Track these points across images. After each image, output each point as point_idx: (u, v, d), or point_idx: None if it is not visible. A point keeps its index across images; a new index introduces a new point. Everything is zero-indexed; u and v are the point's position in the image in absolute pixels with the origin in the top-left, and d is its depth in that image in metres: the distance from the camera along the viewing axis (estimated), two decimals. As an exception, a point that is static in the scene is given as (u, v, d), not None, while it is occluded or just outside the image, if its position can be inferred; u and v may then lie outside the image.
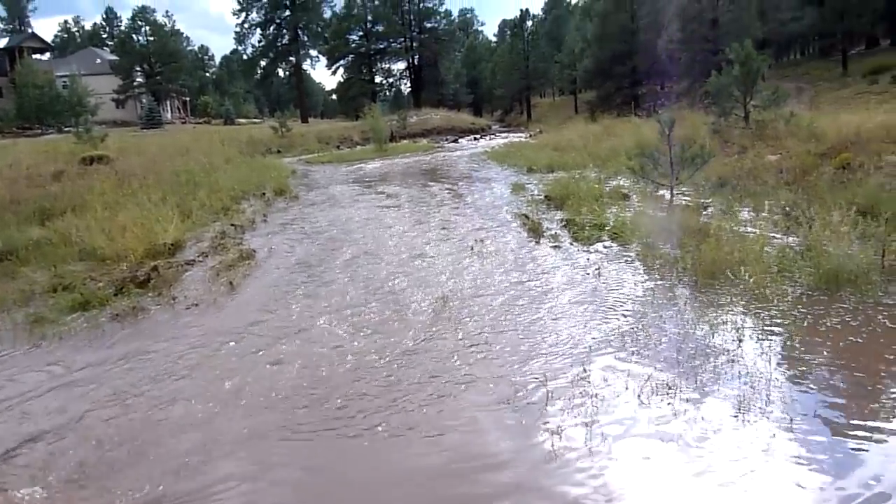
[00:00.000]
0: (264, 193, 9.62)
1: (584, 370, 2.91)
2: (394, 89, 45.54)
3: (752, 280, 3.77)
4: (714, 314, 3.44)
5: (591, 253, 5.04)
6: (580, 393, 2.70)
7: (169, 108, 39.02)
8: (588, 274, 4.46)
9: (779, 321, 3.29)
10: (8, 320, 4.11)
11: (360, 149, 23.17)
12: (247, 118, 44.79)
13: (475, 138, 26.94)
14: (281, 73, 49.07)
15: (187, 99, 43.36)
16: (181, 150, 13.65)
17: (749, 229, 5.03)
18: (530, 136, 25.51)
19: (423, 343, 3.34)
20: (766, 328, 3.22)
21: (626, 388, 2.72)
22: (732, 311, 3.47)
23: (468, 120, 33.64)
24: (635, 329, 3.33)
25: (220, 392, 2.95)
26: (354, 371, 3.07)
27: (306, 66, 43.96)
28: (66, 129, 21.75)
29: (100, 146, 12.91)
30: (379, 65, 42.82)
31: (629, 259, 4.76)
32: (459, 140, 26.28)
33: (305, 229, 6.80)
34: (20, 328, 3.97)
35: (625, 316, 3.56)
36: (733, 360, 2.91)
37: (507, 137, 27.09)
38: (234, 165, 12.53)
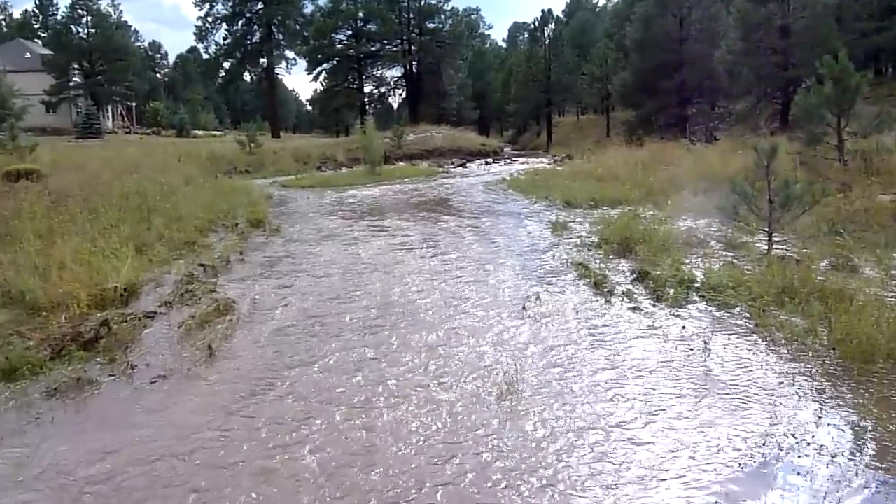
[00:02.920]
0: (237, 224, 9.54)
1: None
2: (385, 101, 46.75)
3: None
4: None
5: (684, 319, 4.78)
6: None
7: (110, 115, 39.43)
8: (692, 349, 4.17)
9: None
10: None
11: (346, 171, 23.32)
12: (205, 130, 45.42)
13: (486, 163, 27.31)
14: (248, 77, 50.39)
15: (133, 104, 43.82)
16: (130, 165, 13.53)
17: (889, 294, 4.81)
18: (555, 161, 25.93)
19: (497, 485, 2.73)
20: None
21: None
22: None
23: (477, 140, 34.26)
24: (796, 449, 2.91)
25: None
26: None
27: (280, 69, 45.22)
28: (-17, 135, 21.81)
29: (28, 158, 12.77)
30: (370, 71, 43.76)
31: (740, 329, 4.50)
32: (468, 164, 26.63)
33: (296, 273, 6.58)
34: None
35: (772, 422, 3.13)
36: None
37: (525, 162, 27.51)
38: (196, 187, 12.41)
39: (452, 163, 26.76)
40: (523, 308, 5.15)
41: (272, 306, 5.41)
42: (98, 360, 4.22)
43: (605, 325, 4.72)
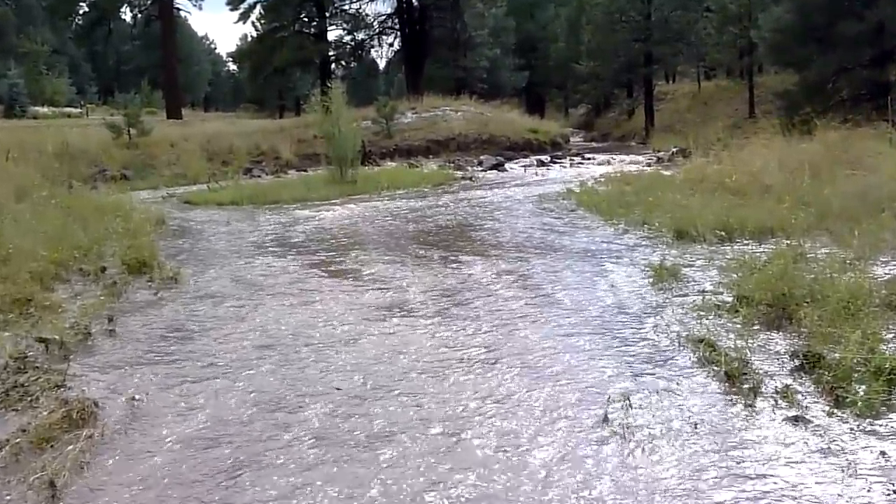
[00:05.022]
0: (104, 268, 9.79)
1: None
2: (365, 57, 47.82)
3: None
4: None
5: (884, 439, 4.75)
6: None
7: None
8: (901, 495, 4.14)
9: None
10: None
11: (296, 177, 23.80)
12: (53, 106, 46.71)
13: (540, 162, 27.87)
14: (129, 14, 51.83)
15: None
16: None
17: None
18: (658, 160, 26.21)
19: None
20: None
21: None
22: None
23: (523, 125, 34.94)
24: None
25: None
26: None
27: (182, 2, 46.49)
28: None
29: None
30: (338, 3, 45.10)
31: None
32: (508, 165, 27.03)
33: (202, 359, 6.70)
34: None
35: None
36: None
37: (607, 162, 27.83)
38: (35, 206, 12.69)
39: (480, 162, 27.27)
40: (605, 420, 5.17)
41: (161, 415, 5.49)
42: None
43: (745, 452, 4.70)
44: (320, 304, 8.42)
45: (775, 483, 4.36)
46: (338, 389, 5.86)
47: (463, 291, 8.83)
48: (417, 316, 7.84)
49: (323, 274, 10.01)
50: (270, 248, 12.06)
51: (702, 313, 7.34)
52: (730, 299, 7.61)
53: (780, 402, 5.33)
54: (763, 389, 5.52)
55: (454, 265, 10.27)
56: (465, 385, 5.97)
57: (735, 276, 8.38)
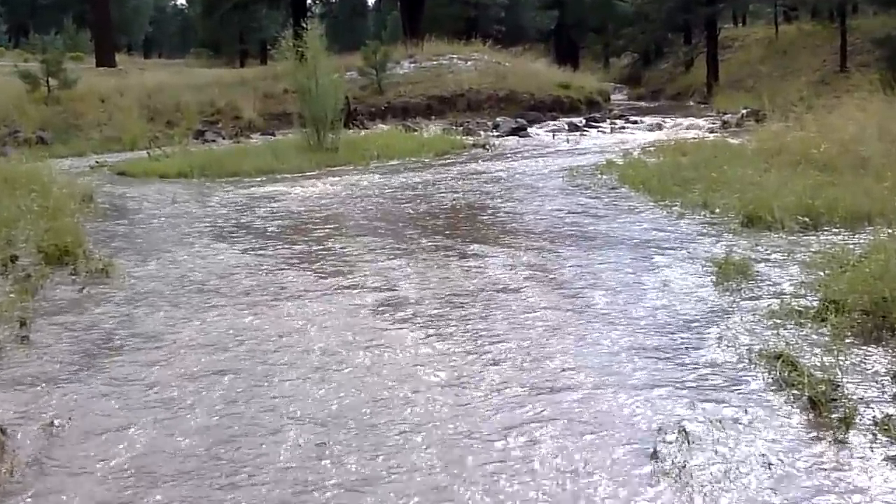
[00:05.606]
0: (14, 257, 9.79)
1: None
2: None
3: None
4: None
5: None
6: None
7: None
8: None
9: None
10: None
11: (260, 142, 23.76)
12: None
13: (574, 126, 27.83)
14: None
15: None
16: None
17: None
18: (723, 124, 26.15)
19: None
20: None
21: None
22: None
23: (551, 78, 34.95)
24: None
25: None
26: None
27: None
28: None
29: None
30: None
31: None
32: (531, 128, 26.94)
33: (142, 372, 6.68)
34: None
35: None
36: None
37: (658, 125, 27.76)
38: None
39: (496, 126, 27.25)
40: (654, 456, 5.16)
41: (85, 446, 5.47)
42: None
43: (835, 502, 4.67)
44: (288, 309, 8.35)
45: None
46: (302, 425, 5.85)
47: (475, 295, 8.76)
48: (415, 330, 7.71)
49: (293, 270, 9.97)
50: (227, 235, 12.07)
51: (779, 322, 7.30)
52: (815, 304, 7.57)
53: (879, 436, 5.29)
54: (858, 420, 5.47)
55: (463, 259, 10.23)
56: (485, 389, 6.01)
57: (822, 274, 8.36)
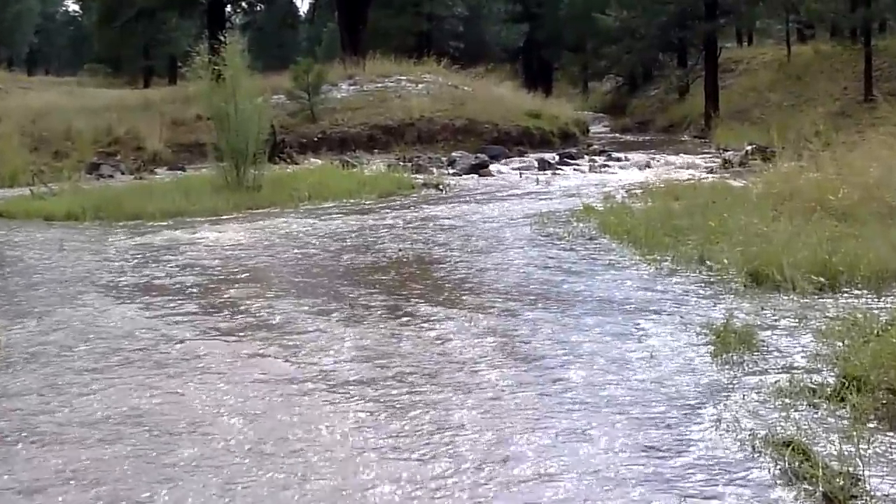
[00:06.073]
0: None
1: None
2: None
3: None
4: None
5: None
6: None
7: None
8: None
9: None
10: None
11: (168, 178, 23.64)
12: None
13: (545, 163, 27.91)
14: None
15: None
16: None
17: None
18: (725, 162, 26.46)
19: None
20: None
21: None
22: None
23: (518, 105, 35.18)
24: None
25: None
26: None
27: None
28: None
29: None
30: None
31: None
32: (494, 166, 27.03)
33: (18, 461, 6.56)
34: None
35: None
36: None
37: (647, 164, 28.07)
38: None
39: (452, 162, 27.39)
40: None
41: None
42: None
43: None
44: (195, 388, 8.17)
45: None
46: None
47: (425, 371, 8.62)
48: (350, 420, 7.47)
49: (204, 337, 9.79)
50: (125, 293, 11.94)
51: (788, 402, 7.27)
52: (832, 381, 7.57)
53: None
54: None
55: (411, 325, 10.10)
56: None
57: (840, 344, 8.37)
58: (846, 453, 6.19)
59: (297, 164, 26.09)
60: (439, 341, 9.55)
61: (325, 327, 10.08)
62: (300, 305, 11.11)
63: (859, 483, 5.82)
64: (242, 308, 11.05)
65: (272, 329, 10.04)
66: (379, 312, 10.70)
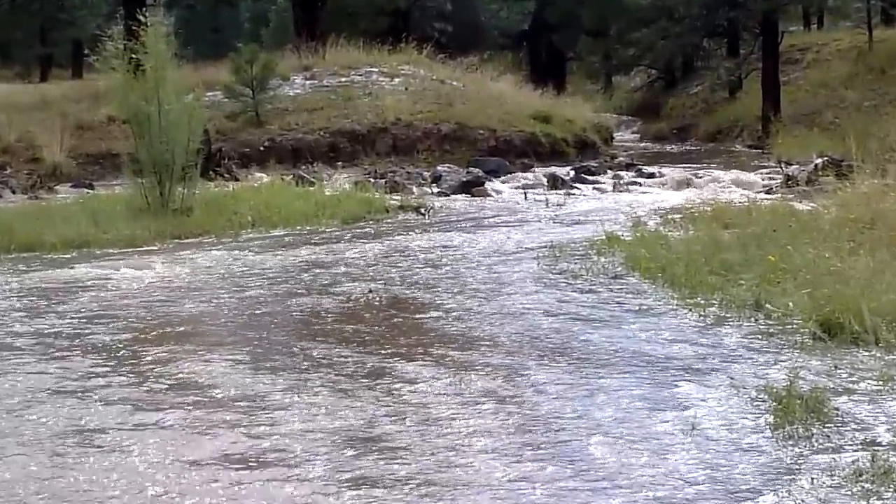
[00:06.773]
0: None
1: None
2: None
3: None
4: None
5: None
6: None
7: None
8: None
9: None
10: None
11: (75, 197, 23.65)
12: None
13: (556, 180, 27.96)
14: None
15: None
16: None
17: None
18: (787, 179, 26.61)
19: None
20: None
21: None
22: None
23: (522, 105, 35.06)
24: None
25: None
26: None
27: None
28: None
29: None
30: None
31: None
32: (490, 183, 27.23)
33: None
34: None
35: None
36: None
37: (688, 181, 28.18)
38: None
39: (437, 178, 27.42)
40: None
41: None
42: None
43: None
44: (107, 466, 8.14)
45: None
46: None
47: (400, 441, 8.59)
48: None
49: (115, 402, 9.73)
50: (16, 346, 11.96)
51: (869, 488, 7.31)
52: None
53: None
54: None
55: (383, 388, 10.07)
56: None
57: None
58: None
59: (237, 180, 26.07)
60: (418, 408, 9.45)
61: (271, 396, 9.89)
62: (239, 366, 11.01)
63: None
64: (164, 366, 10.98)
65: (201, 392, 10.02)
66: (342, 375, 10.61)
